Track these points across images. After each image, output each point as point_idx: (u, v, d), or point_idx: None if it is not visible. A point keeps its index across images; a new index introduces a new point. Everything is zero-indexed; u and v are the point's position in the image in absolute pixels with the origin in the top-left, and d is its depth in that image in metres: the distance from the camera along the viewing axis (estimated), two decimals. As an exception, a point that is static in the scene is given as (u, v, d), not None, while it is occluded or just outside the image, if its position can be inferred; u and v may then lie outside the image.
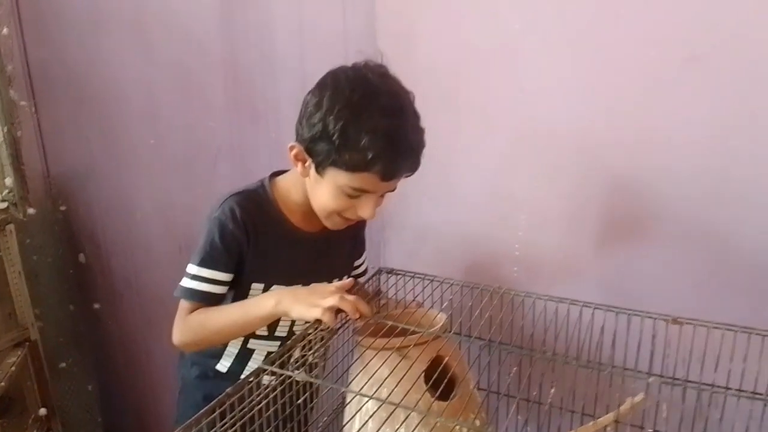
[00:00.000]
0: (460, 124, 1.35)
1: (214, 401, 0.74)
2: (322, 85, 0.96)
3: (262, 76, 1.59)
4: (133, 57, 1.78)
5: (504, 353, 0.94)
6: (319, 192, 1.01)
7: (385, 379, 0.84)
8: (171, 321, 1.05)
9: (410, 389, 0.82)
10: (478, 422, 0.95)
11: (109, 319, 2.16)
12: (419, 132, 0.97)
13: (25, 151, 1.86)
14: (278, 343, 1.14)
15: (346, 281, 0.99)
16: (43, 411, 1.85)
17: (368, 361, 0.93)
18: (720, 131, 1.11)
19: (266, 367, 0.82)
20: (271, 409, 0.80)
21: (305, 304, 0.92)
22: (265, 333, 1.12)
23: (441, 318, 1.03)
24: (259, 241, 1.06)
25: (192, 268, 1.04)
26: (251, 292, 1.08)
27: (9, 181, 1.78)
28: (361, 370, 0.94)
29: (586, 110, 1.21)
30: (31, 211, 1.84)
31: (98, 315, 2.17)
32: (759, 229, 1.11)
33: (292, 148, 1.00)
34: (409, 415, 0.75)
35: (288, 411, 0.84)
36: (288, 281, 1.04)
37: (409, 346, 0.92)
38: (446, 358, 0.92)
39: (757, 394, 0.84)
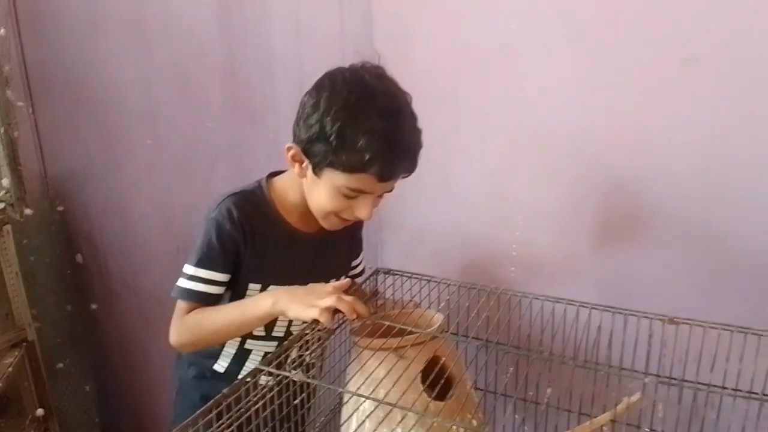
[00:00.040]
0: (458, 124, 1.35)
1: (211, 402, 0.74)
2: (319, 87, 0.96)
3: (260, 76, 1.59)
4: (131, 57, 1.78)
5: (501, 353, 0.94)
6: (316, 193, 1.01)
7: (382, 380, 0.85)
8: (168, 321, 1.05)
9: (407, 389, 0.82)
10: (475, 422, 0.95)
11: (106, 319, 2.16)
12: (416, 133, 0.98)
13: (22, 151, 1.86)
14: (275, 343, 1.14)
15: (344, 281, 0.99)
16: (40, 411, 1.84)
17: (365, 361, 0.93)
18: (718, 131, 1.11)
19: (263, 367, 0.82)
20: (268, 410, 0.80)
21: (303, 304, 0.92)
22: (263, 333, 1.12)
23: (438, 318, 1.03)
24: (256, 242, 1.06)
25: (189, 269, 1.04)
26: (248, 292, 1.08)
27: (6, 181, 1.77)
28: (358, 371, 0.95)
29: (585, 110, 1.21)
30: (28, 211, 1.84)
31: (96, 315, 2.17)
32: (756, 229, 1.11)
33: (289, 149, 1.00)
34: (405, 415, 0.75)
35: (285, 411, 0.84)
36: (285, 282, 1.04)
37: (406, 346, 0.92)
38: (443, 359, 0.93)
39: (753, 393, 0.84)
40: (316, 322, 0.91)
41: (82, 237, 2.08)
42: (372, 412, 0.82)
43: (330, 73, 0.97)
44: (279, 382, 0.82)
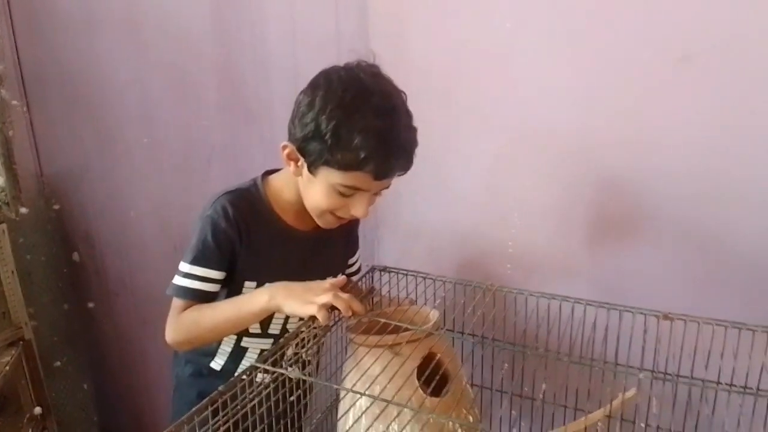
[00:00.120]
0: (454, 123, 1.35)
1: (207, 399, 0.74)
2: (314, 85, 0.96)
3: (256, 75, 1.59)
4: (127, 56, 1.78)
5: (497, 350, 0.95)
6: (311, 191, 1.01)
7: (377, 376, 0.85)
8: (166, 320, 1.05)
9: (403, 386, 0.82)
10: (470, 418, 0.95)
11: (103, 318, 2.16)
12: (412, 131, 0.98)
13: (17, 150, 1.86)
14: (271, 340, 1.14)
15: (340, 278, 0.99)
16: (38, 410, 1.85)
17: (361, 358, 0.93)
18: (715, 131, 1.11)
19: (259, 365, 0.82)
20: (264, 407, 0.80)
21: (299, 300, 0.92)
22: (258, 331, 1.13)
23: (434, 315, 1.03)
24: (251, 240, 1.06)
25: (184, 266, 1.04)
26: (244, 290, 1.08)
27: (1, 180, 1.77)
28: (354, 367, 0.95)
29: (581, 109, 1.21)
30: (23, 210, 1.84)
31: (93, 314, 2.17)
32: (751, 226, 1.12)
33: (284, 147, 1.00)
34: (401, 411, 0.76)
35: (281, 408, 0.84)
36: (281, 280, 1.04)
37: (402, 343, 0.92)
38: (439, 355, 0.93)
39: (747, 388, 0.84)
40: (312, 318, 0.91)
41: (79, 235, 2.08)
42: (368, 408, 0.82)
43: (325, 72, 0.97)
44: (275, 379, 0.82)
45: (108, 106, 1.86)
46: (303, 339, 0.92)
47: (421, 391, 0.88)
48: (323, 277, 1.14)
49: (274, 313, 1.01)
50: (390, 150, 0.93)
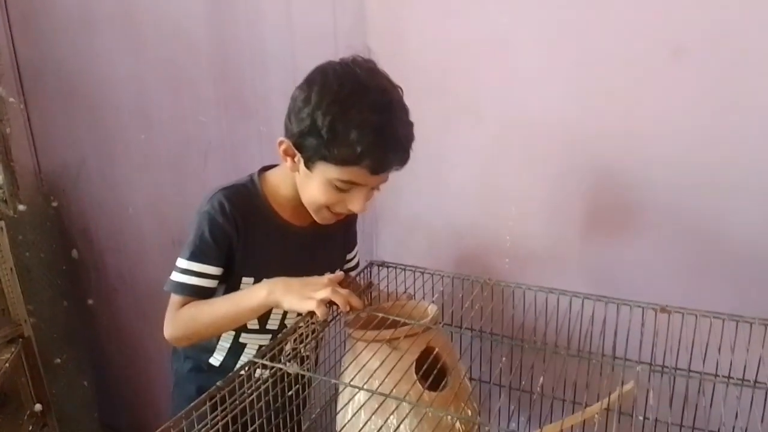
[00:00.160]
0: (451, 117, 1.35)
1: (205, 394, 0.74)
2: (310, 81, 0.96)
3: (252, 72, 1.59)
4: (123, 53, 1.77)
5: (494, 343, 0.95)
6: (308, 186, 1.01)
7: (375, 370, 0.85)
8: (164, 315, 1.05)
9: (401, 380, 0.83)
10: (469, 412, 0.96)
11: (103, 314, 2.16)
12: (408, 126, 0.98)
13: (15, 147, 1.86)
14: (270, 336, 1.14)
15: (338, 274, 0.99)
16: (38, 407, 1.85)
17: (359, 352, 0.93)
18: (708, 122, 1.11)
19: (257, 360, 0.82)
20: (263, 401, 0.80)
21: (298, 295, 0.92)
22: (257, 326, 1.13)
23: (432, 309, 1.03)
24: (248, 235, 1.06)
25: (182, 262, 1.04)
26: (242, 286, 1.08)
27: (-2, 177, 1.78)
28: (352, 362, 0.95)
29: (576, 102, 1.21)
30: (21, 207, 1.84)
31: (92, 310, 2.17)
32: (747, 218, 1.12)
33: (281, 143, 1.00)
34: (399, 404, 0.76)
35: (279, 402, 0.84)
36: (278, 275, 1.04)
37: (400, 337, 0.92)
38: (436, 349, 0.93)
39: (745, 380, 0.84)
40: (310, 314, 0.91)
41: (77, 232, 2.08)
42: (366, 402, 0.82)
43: (321, 67, 0.97)
44: (273, 374, 0.82)
45: (105, 102, 1.86)
46: (301, 334, 0.92)
47: (419, 385, 0.88)
48: (321, 273, 1.14)
49: (272, 309, 1.01)
50: (387, 144, 0.93)
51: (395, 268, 1.15)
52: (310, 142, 0.94)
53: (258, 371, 0.82)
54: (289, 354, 0.90)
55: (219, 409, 0.75)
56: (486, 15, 1.25)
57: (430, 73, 1.34)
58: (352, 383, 0.82)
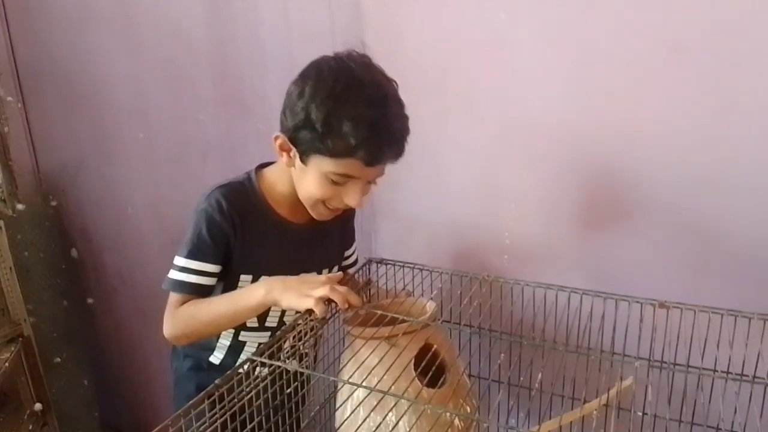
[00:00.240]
0: (449, 114, 1.35)
1: (203, 392, 0.74)
2: (304, 76, 0.96)
3: (250, 69, 1.58)
4: (122, 52, 1.77)
5: (493, 340, 0.95)
6: (304, 181, 1.01)
7: (374, 368, 0.85)
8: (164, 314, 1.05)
9: (399, 376, 0.83)
10: (468, 408, 0.96)
11: (103, 313, 2.16)
12: (403, 119, 0.97)
13: (14, 147, 1.86)
14: (269, 334, 1.14)
15: (336, 274, 0.99)
16: (38, 406, 1.86)
17: (358, 349, 0.93)
18: (706, 120, 1.11)
19: (256, 357, 0.82)
20: (261, 399, 0.80)
21: (296, 294, 0.92)
22: (256, 324, 1.13)
23: (430, 306, 1.03)
24: (245, 233, 1.06)
25: (180, 260, 1.04)
26: (240, 283, 1.08)
27: (-3, 177, 1.78)
28: (350, 359, 0.95)
29: (574, 100, 1.21)
30: (20, 206, 1.84)
31: (92, 310, 2.17)
32: (745, 214, 1.12)
33: (276, 138, 1.00)
34: (398, 401, 0.76)
35: (279, 399, 0.84)
36: (276, 273, 1.04)
37: (398, 334, 0.92)
38: (435, 346, 0.93)
39: (743, 376, 0.84)
40: (309, 312, 0.91)
41: (77, 231, 2.08)
42: (365, 399, 0.82)
43: (316, 62, 0.97)
44: (272, 372, 0.82)
45: (103, 101, 1.86)
46: (300, 332, 0.92)
47: (417, 382, 0.88)
48: (319, 270, 1.14)
49: (270, 307, 1.01)
50: (381, 137, 0.93)
51: (394, 265, 1.15)
52: (305, 136, 0.94)
53: (257, 368, 0.82)
54: (288, 351, 0.90)
55: (218, 406, 0.75)
56: (484, 12, 1.25)
57: (429, 72, 1.34)
58: (350, 380, 0.82)
